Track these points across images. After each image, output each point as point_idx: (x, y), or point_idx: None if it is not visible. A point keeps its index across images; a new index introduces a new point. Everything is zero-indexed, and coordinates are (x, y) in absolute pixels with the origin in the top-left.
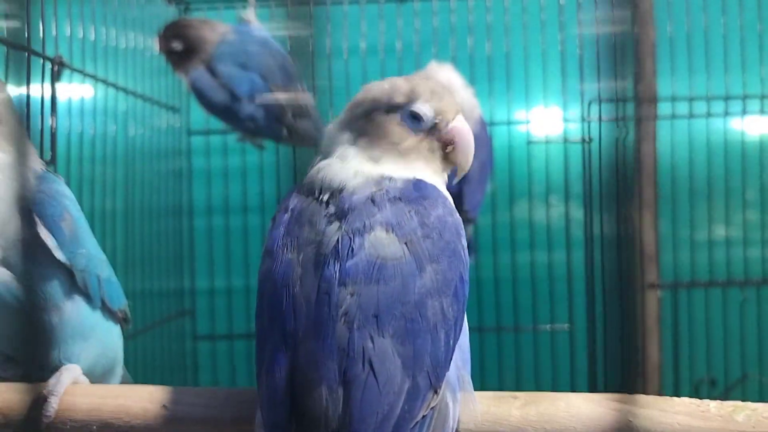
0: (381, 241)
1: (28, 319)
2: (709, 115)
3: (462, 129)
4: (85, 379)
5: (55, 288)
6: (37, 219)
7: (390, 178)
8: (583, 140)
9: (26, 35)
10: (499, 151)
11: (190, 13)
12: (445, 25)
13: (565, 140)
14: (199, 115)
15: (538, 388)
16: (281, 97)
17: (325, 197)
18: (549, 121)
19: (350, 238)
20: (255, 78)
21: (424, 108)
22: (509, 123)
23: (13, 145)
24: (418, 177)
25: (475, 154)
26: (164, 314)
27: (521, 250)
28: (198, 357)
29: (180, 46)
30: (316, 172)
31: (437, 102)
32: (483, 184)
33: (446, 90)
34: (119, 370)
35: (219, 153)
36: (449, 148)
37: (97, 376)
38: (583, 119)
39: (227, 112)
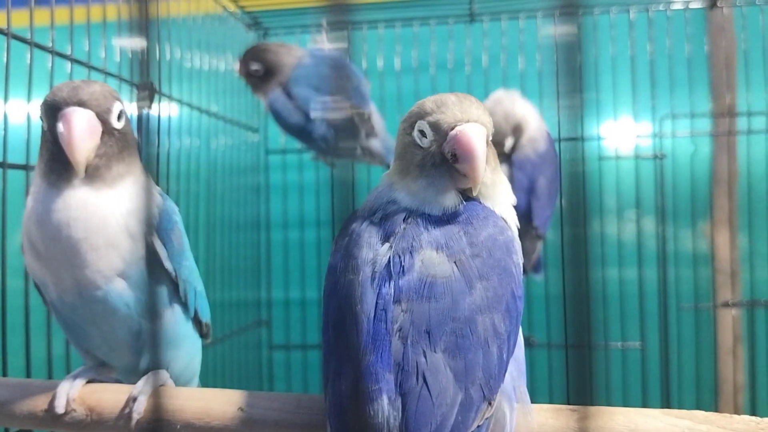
0: (431, 260)
1: (134, 326)
2: None
3: (459, 137)
4: (171, 383)
5: (159, 297)
6: (153, 231)
7: (423, 203)
8: (656, 156)
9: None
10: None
11: (269, 38)
12: (513, 43)
13: (637, 156)
14: (276, 135)
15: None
16: (336, 111)
17: (377, 219)
18: (620, 137)
19: (400, 258)
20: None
21: (424, 123)
22: (580, 139)
23: (143, 167)
24: (439, 197)
25: (542, 171)
26: (242, 324)
27: (592, 267)
28: (273, 366)
29: (260, 70)
30: (370, 195)
31: (438, 115)
32: (552, 200)
33: (456, 101)
34: (196, 381)
35: (294, 169)
36: (453, 159)
37: (178, 385)
38: (654, 135)
39: (302, 132)
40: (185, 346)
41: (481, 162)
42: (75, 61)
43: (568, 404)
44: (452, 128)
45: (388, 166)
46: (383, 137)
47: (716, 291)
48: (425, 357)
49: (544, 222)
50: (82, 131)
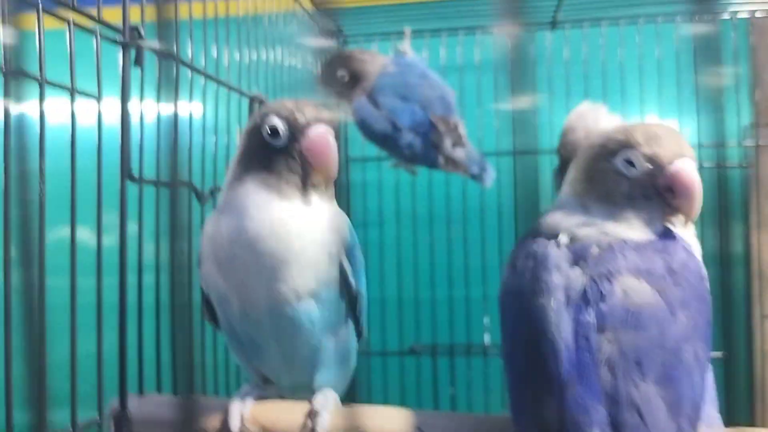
0: (633, 288)
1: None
2: None
3: (680, 173)
4: (338, 401)
5: (339, 314)
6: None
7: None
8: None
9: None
10: None
11: (348, 46)
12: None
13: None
14: (357, 141)
15: None
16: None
17: (562, 241)
18: None
19: (597, 284)
20: (415, 109)
21: (636, 153)
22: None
23: None
24: (634, 227)
25: None
26: None
27: None
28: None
29: (346, 76)
30: (548, 218)
31: (653, 147)
32: None
33: (667, 134)
34: None
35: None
36: (669, 195)
37: None
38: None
39: (387, 140)
40: (350, 363)
41: (700, 200)
42: (208, 76)
43: None
44: (671, 163)
45: (472, 177)
46: (468, 147)
47: (757, 300)
48: (637, 389)
49: None
50: (335, 149)
